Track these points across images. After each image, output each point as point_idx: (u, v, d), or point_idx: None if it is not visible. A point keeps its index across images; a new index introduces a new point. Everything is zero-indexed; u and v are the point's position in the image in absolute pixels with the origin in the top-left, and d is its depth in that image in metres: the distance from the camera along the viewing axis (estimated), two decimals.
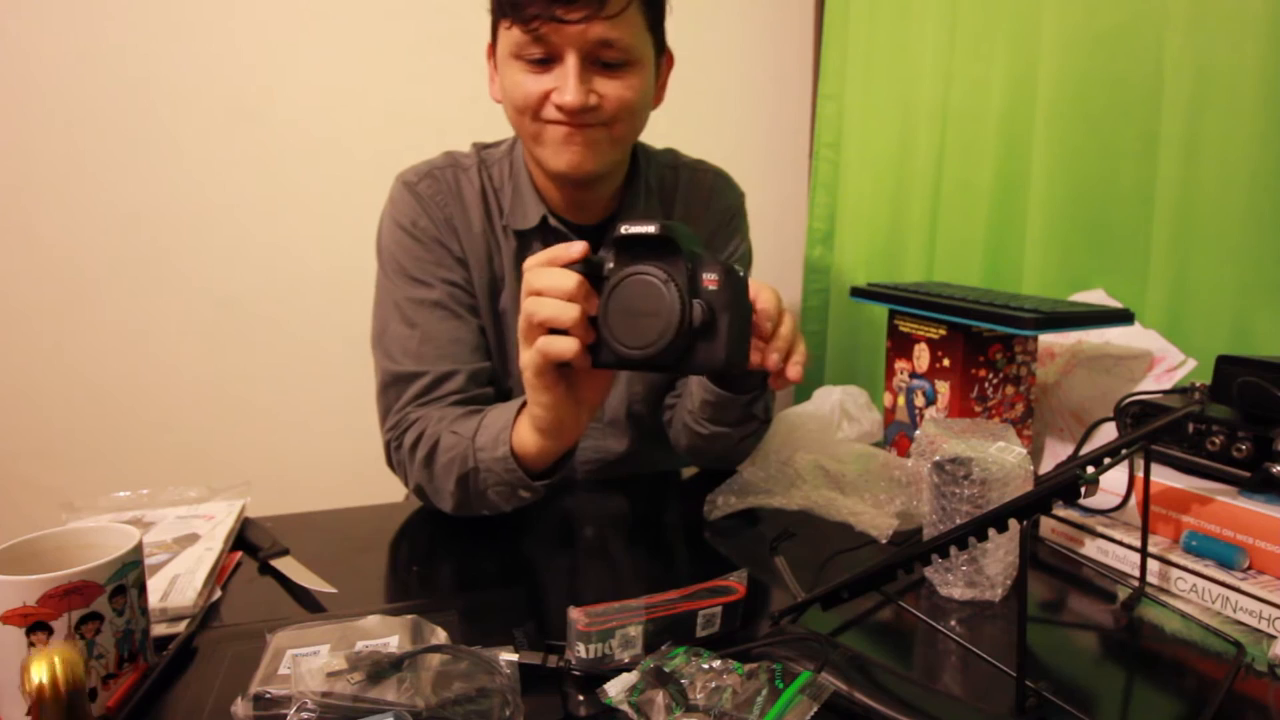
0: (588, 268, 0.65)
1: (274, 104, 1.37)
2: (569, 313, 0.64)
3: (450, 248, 0.90)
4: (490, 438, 0.77)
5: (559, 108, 0.80)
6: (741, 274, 0.65)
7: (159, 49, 1.30)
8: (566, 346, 0.65)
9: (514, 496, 0.78)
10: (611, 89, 0.81)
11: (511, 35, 0.80)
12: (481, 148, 0.97)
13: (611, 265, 0.65)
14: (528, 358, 0.68)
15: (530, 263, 0.67)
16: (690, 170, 1.02)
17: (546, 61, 0.80)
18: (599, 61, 0.80)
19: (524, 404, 0.75)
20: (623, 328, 0.63)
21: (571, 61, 0.78)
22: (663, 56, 0.90)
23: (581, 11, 0.76)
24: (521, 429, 0.76)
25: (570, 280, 0.64)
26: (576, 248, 0.65)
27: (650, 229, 0.62)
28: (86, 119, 1.29)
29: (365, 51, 1.40)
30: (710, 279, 0.62)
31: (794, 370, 0.70)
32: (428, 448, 0.81)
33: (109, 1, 1.27)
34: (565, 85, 0.79)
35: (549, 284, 0.64)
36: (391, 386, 0.88)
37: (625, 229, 0.63)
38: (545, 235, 0.92)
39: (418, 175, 0.93)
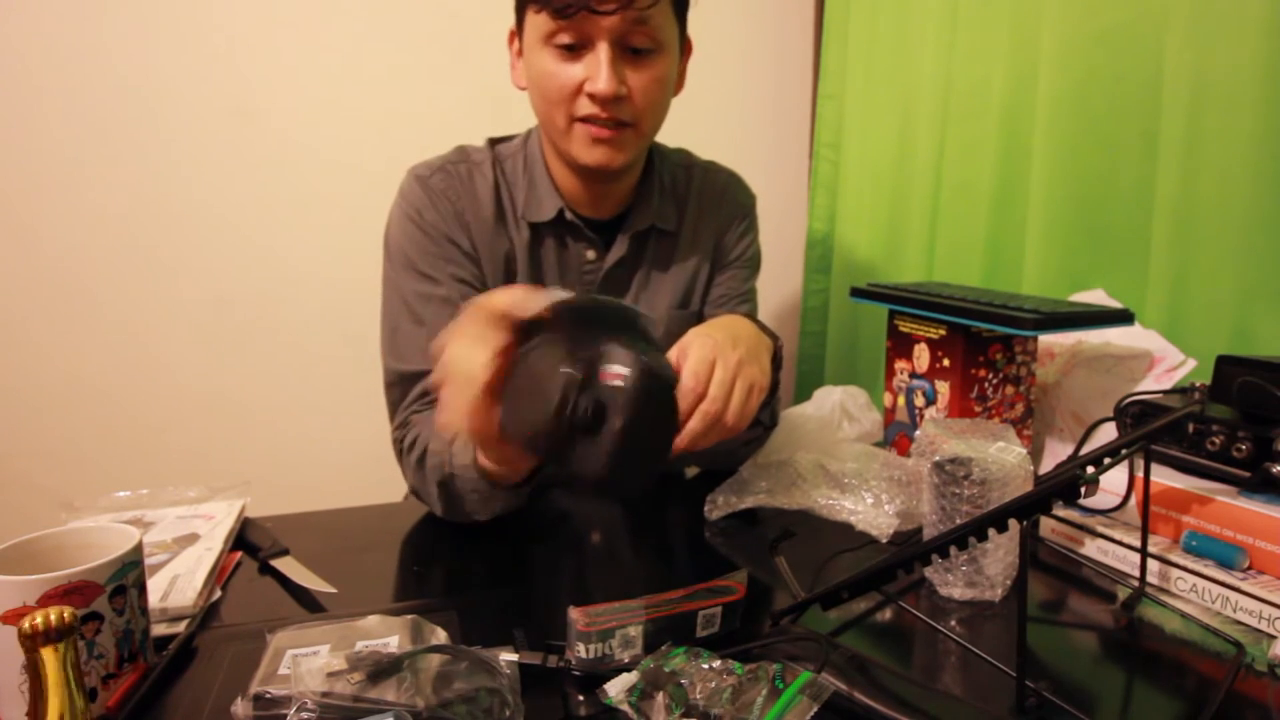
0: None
1: (275, 106, 1.37)
2: (467, 397, 0.54)
3: (460, 244, 0.90)
4: (461, 443, 0.74)
5: (591, 96, 0.81)
6: (667, 380, 0.55)
7: (157, 49, 1.30)
8: (458, 424, 0.55)
9: (489, 503, 0.77)
10: (640, 79, 0.83)
11: (541, 21, 0.81)
12: (495, 142, 0.97)
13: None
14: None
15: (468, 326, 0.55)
16: (704, 170, 1.03)
17: (576, 47, 0.81)
18: (629, 48, 0.82)
19: None
20: (510, 409, 0.53)
21: (603, 49, 0.80)
22: (684, 43, 0.91)
23: (615, 2, 0.77)
24: None
25: (480, 360, 0.53)
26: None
27: (565, 295, 0.52)
28: (86, 120, 1.29)
29: (363, 52, 1.39)
30: (615, 373, 0.51)
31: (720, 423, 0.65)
32: (419, 452, 0.81)
33: (107, 2, 1.27)
34: (598, 74, 0.80)
35: (460, 367, 0.54)
36: (396, 385, 0.88)
37: (558, 302, 0.53)
38: (560, 228, 0.93)
39: (430, 169, 0.93)
